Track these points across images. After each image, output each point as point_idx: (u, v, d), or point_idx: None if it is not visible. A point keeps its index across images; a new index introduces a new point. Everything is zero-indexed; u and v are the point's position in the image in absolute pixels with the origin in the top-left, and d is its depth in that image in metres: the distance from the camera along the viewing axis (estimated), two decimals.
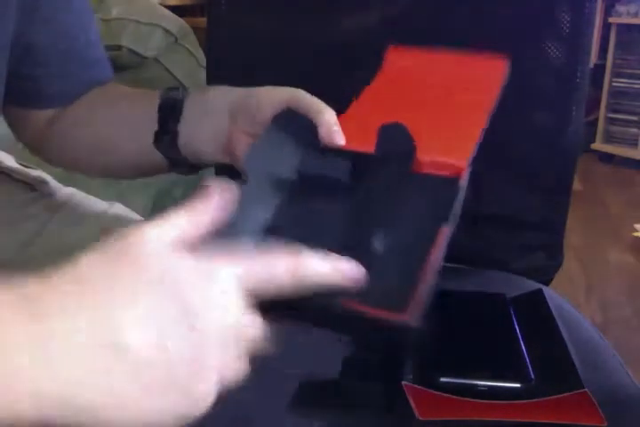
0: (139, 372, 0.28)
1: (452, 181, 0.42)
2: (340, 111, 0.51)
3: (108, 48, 2.08)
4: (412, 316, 0.35)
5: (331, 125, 0.46)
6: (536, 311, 0.53)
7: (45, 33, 0.59)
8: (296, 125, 0.47)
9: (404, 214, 0.42)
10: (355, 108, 0.52)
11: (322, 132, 0.46)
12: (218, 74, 0.78)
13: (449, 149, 0.45)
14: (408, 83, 0.55)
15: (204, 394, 0.29)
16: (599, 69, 2.87)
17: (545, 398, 0.42)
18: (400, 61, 0.56)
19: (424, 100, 0.52)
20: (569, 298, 0.68)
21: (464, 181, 0.43)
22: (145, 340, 0.28)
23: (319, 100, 0.49)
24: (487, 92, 0.51)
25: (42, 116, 0.63)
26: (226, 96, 0.56)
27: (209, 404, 0.30)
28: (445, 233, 0.39)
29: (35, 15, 0.57)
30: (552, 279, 0.75)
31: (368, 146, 0.45)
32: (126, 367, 0.27)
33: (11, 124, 0.66)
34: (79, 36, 0.62)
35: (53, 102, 0.63)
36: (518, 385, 0.44)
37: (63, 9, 0.60)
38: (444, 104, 0.51)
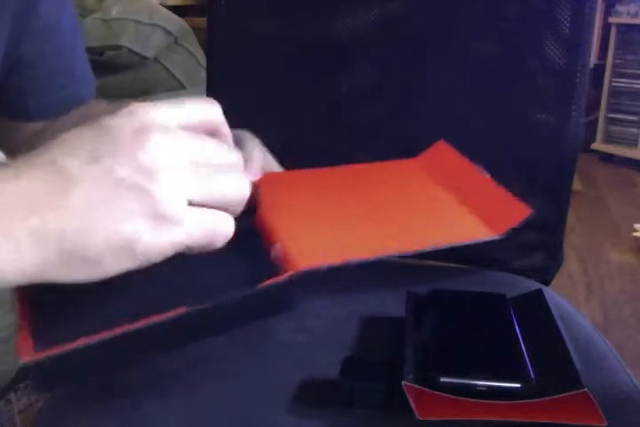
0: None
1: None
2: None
3: (108, 48, 2.09)
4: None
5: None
6: (536, 311, 0.53)
7: (35, 48, 0.59)
8: None
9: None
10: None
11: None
12: (218, 74, 0.77)
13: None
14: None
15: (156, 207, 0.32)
16: (599, 69, 2.87)
17: (545, 398, 0.42)
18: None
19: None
20: (569, 298, 0.68)
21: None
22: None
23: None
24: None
25: (29, 127, 0.64)
26: None
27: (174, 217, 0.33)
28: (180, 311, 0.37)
29: (25, 31, 0.57)
30: (552, 279, 0.75)
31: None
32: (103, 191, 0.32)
33: (1, 137, 0.66)
34: (67, 52, 0.63)
35: (38, 115, 0.64)
36: (518, 385, 0.44)
37: (53, 26, 0.60)
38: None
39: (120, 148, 0.33)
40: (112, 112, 0.35)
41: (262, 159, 0.50)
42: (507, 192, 0.48)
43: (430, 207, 0.49)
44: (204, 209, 0.34)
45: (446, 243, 0.44)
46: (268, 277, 0.38)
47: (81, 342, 0.35)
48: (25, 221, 0.31)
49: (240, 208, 0.37)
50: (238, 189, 0.36)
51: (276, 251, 0.41)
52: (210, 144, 0.36)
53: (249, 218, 0.42)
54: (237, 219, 0.40)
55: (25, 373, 0.35)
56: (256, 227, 0.43)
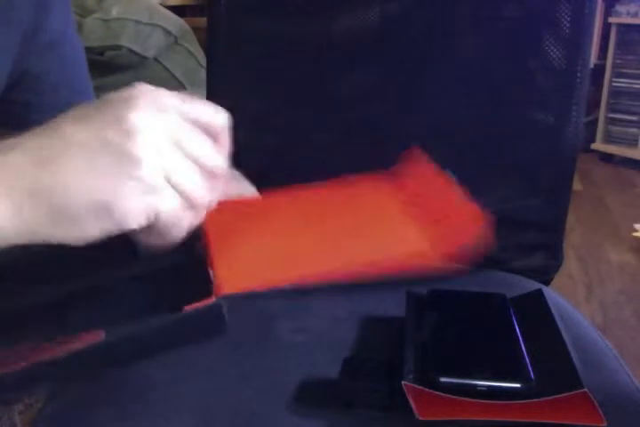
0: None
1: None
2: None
3: (108, 48, 2.09)
4: None
5: None
6: (536, 311, 0.53)
7: (41, 62, 0.61)
8: None
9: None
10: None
11: None
12: (218, 74, 0.77)
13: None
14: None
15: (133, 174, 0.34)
16: (599, 69, 2.87)
17: (545, 398, 0.42)
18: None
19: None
20: (569, 298, 0.68)
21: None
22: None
23: None
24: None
25: None
26: None
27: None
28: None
29: (32, 45, 0.59)
30: (552, 279, 0.75)
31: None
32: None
33: None
34: (71, 66, 0.65)
35: None
36: (518, 385, 0.44)
37: (59, 41, 0.62)
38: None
39: (110, 110, 0.35)
40: None
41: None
42: (469, 204, 0.47)
43: (381, 230, 0.48)
44: (175, 191, 0.36)
45: (388, 271, 0.42)
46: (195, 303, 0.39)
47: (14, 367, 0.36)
48: (23, 179, 0.34)
49: (199, 211, 0.38)
50: (203, 194, 0.37)
51: (212, 276, 0.41)
52: (200, 137, 0.38)
53: (192, 244, 0.42)
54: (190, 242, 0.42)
55: None
56: (201, 254, 0.44)
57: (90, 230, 0.34)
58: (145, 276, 0.44)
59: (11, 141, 0.36)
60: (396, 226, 0.47)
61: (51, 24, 0.59)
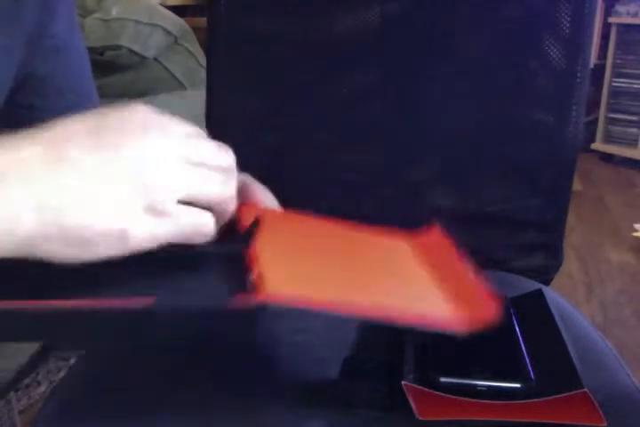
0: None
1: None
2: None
3: (108, 48, 2.09)
4: None
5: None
6: (536, 311, 0.53)
7: (46, 66, 0.61)
8: None
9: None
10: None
11: None
12: (218, 74, 0.77)
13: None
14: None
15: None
16: (599, 69, 2.87)
17: (545, 398, 0.42)
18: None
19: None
20: (569, 298, 0.68)
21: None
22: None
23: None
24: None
25: None
26: None
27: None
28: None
29: (37, 48, 0.59)
30: (552, 279, 0.75)
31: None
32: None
33: None
34: (76, 72, 0.65)
35: None
36: (518, 385, 0.44)
37: (64, 46, 0.62)
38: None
39: (120, 140, 0.35)
40: None
41: (260, 192, 0.51)
42: (485, 287, 0.46)
43: (410, 282, 0.48)
44: (190, 207, 0.37)
45: (411, 323, 0.42)
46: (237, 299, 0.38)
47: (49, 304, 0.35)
48: (24, 190, 0.33)
49: (225, 208, 0.39)
50: (224, 190, 0.38)
51: (254, 277, 0.40)
52: (204, 144, 0.39)
53: (240, 243, 0.43)
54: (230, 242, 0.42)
55: None
56: (244, 255, 0.43)
57: (99, 253, 0.34)
58: (199, 257, 0.43)
59: (18, 156, 0.35)
60: (426, 288, 0.47)
61: (56, 28, 0.59)
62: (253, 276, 0.40)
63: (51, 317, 0.35)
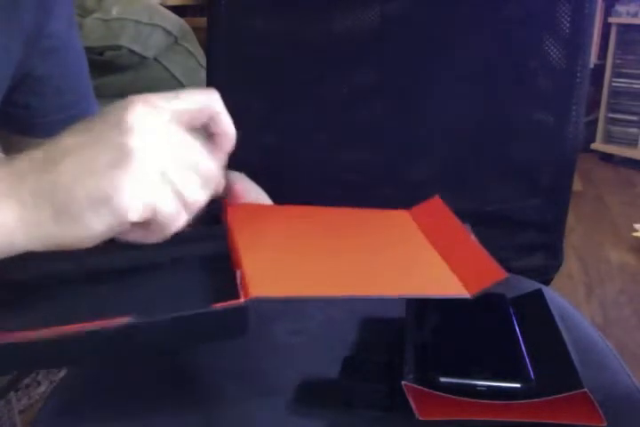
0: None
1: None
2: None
3: (108, 48, 2.08)
4: None
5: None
6: (536, 311, 0.53)
7: (44, 66, 0.61)
8: None
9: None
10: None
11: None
12: (218, 74, 0.77)
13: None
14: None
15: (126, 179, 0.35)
16: (599, 69, 2.87)
17: (545, 398, 0.42)
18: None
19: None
20: (569, 298, 0.68)
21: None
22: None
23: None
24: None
25: (34, 143, 0.65)
26: None
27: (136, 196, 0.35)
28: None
29: (35, 48, 0.59)
30: (552, 279, 0.75)
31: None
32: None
33: (5, 149, 0.67)
34: (74, 72, 0.66)
35: (44, 132, 0.65)
36: (518, 385, 0.44)
37: (62, 46, 0.62)
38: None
39: (109, 116, 0.37)
40: None
41: (245, 187, 0.53)
42: (487, 255, 0.47)
43: (409, 256, 0.49)
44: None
45: (413, 293, 0.45)
46: (225, 301, 0.38)
47: (21, 336, 0.35)
48: (25, 181, 0.36)
49: (190, 212, 0.39)
50: (200, 193, 0.38)
51: (238, 278, 0.41)
52: (194, 144, 0.39)
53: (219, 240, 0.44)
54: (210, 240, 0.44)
55: None
56: (228, 251, 0.44)
57: (93, 226, 0.35)
58: (176, 261, 0.45)
59: (18, 155, 0.38)
60: (423, 264, 0.48)
61: (53, 28, 0.59)
62: (237, 277, 0.40)
63: (35, 345, 0.36)
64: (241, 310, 0.38)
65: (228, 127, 0.43)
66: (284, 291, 0.40)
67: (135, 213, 0.36)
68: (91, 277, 0.44)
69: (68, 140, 0.37)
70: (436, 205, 0.55)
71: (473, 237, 0.50)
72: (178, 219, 0.38)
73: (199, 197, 0.39)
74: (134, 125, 0.36)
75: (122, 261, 0.45)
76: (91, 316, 0.36)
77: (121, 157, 0.36)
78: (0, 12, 0.53)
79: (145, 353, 0.43)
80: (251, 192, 0.54)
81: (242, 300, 0.38)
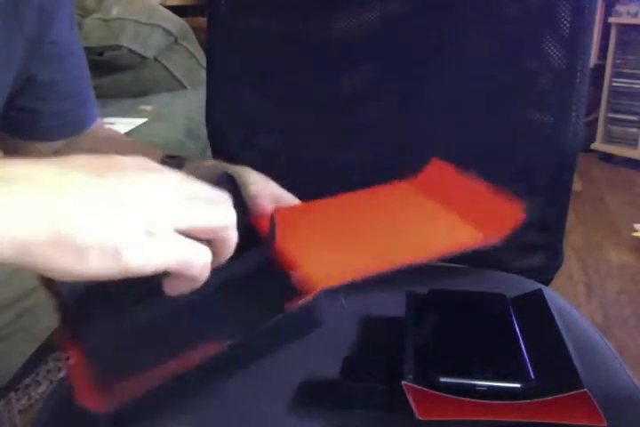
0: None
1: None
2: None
3: (108, 48, 2.09)
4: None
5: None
6: (536, 311, 0.53)
7: (47, 71, 0.62)
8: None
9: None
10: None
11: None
12: (218, 74, 0.77)
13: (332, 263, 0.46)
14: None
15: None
16: (599, 69, 2.87)
17: (545, 399, 0.42)
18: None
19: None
20: (569, 298, 0.68)
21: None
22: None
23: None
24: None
25: (37, 147, 0.66)
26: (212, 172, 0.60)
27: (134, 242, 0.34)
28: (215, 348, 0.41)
29: (37, 54, 0.59)
30: (552, 279, 0.75)
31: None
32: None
33: (7, 153, 0.68)
34: (76, 76, 0.66)
35: (47, 136, 0.66)
36: (518, 385, 0.44)
37: (65, 52, 0.63)
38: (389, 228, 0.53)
39: (123, 175, 0.36)
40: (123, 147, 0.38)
41: (269, 192, 0.55)
42: (500, 197, 0.52)
43: (430, 222, 0.53)
44: (188, 239, 0.37)
45: (449, 251, 0.48)
46: (294, 302, 0.42)
47: (139, 390, 0.39)
48: (34, 196, 0.33)
49: (225, 236, 0.38)
50: (221, 218, 0.38)
51: (296, 277, 0.44)
52: (199, 185, 0.39)
53: (265, 249, 0.47)
54: (256, 251, 0.46)
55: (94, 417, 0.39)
56: (275, 258, 0.47)
57: (94, 267, 0.34)
58: (231, 282, 0.46)
59: (33, 167, 0.35)
60: (440, 221, 0.53)
61: (56, 34, 0.60)
62: (295, 277, 0.44)
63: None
64: (313, 304, 0.42)
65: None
66: (342, 277, 0.43)
67: (140, 271, 0.35)
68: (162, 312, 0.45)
69: (80, 182, 0.35)
70: (437, 167, 0.59)
71: (481, 184, 0.54)
72: (199, 264, 0.37)
73: (225, 222, 0.38)
74: (149, 193, 0.36)
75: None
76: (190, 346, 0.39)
77: (140, 214, 0.35)
78: (1, 19, 0.53)
79: (241, 368, 0.46)
80: (267, 196, 0.54)
81: (311, 295, 0.42)
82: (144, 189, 0.36)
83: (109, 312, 0.42)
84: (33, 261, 0.33)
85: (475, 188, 0.54)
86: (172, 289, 0.38)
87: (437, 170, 0.59)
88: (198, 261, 0.37)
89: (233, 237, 0.39)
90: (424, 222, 0.53)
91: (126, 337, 0.44)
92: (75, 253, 0.33)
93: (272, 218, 0.49)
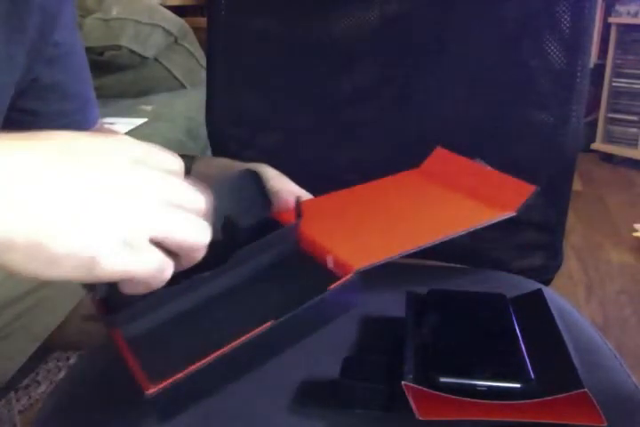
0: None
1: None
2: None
3: (108, 48, 2.09)
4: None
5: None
6: (536, 311, 0.53)
7: (50, 73, 0.62)
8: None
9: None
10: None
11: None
12: (218, 74, 0.78)
13: (359, 249, 0.48)
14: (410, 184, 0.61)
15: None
16: (599, 69, 2.87)
17: (545, 399, 0.42)
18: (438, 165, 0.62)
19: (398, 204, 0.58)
20: (569, 298, 0.68)
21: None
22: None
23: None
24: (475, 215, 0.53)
25: None
26: (227, 169, 0.61)
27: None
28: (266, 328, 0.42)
29: (40, 56, 0.59)
30: (552, 279, 0.75)
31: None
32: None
33: None
34: (78, 78, 0.66)
35: None
36: (518, 385, 0.44)
37: (68, 54, 0.63)
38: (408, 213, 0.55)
39: (103, 171, 0.34)
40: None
41: (288, 187, 0.56)
42: (508, 176, 0.55)
43: (444, 204, 0.56)
44: (159, 251, 0.35)
45: (470, 226, 0.50)
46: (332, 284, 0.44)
47: (192, 368, 0.39)
48: (5, 198, 0.31)
49: (194, 256, 0.37)
50: (198, 236, 0.37)
51: (330, 262, 0.46)
52: (184, 186, 0.37)
53: (292, 231, 0.49)
54: (283, 232, 0.48)
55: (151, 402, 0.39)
56: (303, 249, 0.50)
57: (65, 274, 0.33)
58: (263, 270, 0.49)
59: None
60: (453, 202, 0.56)
61: (59, 36, 0.60)
62: (330, 263, 0.46)
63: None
64: (353, 284, 0.44)
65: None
66: (375, 257, 0.45)
67: (110, 279, 0.34)
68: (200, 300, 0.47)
69: (53, 173, 0.33)
70: (441, 155, 0.62)
71: (489, 167, 0.57)
72: (160, 279, 0.36)
73: (195, 256, 0.37)
74: (132, 195, 0.34)
75: (209, 281, 0.47)
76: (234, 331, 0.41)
77: (116, 222, 0.33)
78: (4, 21, 0.53)
79: (284, 349, 0.47)
80: (286, 191, 0.55)
81: (350, 275, 0.44)
82: (127, 193, 0.34)
83: (148, 299, 0.41)
84: (1, 263, 0.32)
85: (480, 170, 0.57)
86: (128, 289, 0.37)
87: (442, 157, 0.62)
88: (162, 275, 0.36)
89: (200, 256, 0.38)
90: (439, 204, 0.56)
91: (165, 324, 0.45)
92: (48, 260, 0.32)
93: (297, 205, 0.51)
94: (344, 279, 0.44)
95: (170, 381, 0.39)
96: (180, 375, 0.39)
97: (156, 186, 0.35)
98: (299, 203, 0.51)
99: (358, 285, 0.45)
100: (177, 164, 0.38)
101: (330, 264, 0.47)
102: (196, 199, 0.37)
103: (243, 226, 0.50)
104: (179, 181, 0.37)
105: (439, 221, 0.52)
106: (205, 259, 0.38)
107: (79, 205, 0.33)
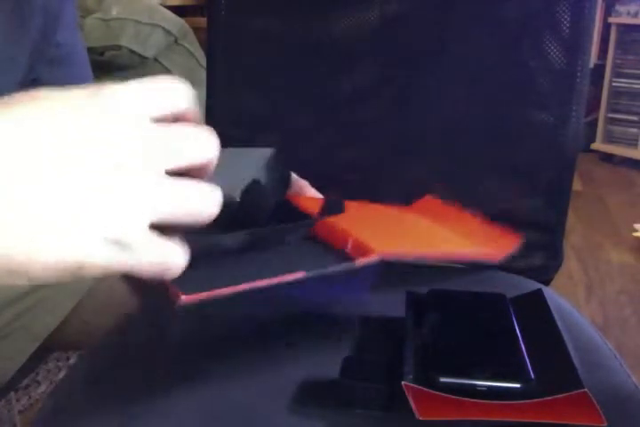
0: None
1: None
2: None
3: (108, 48, 2.09)
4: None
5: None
6: (536, 311, 0.53)
7: (52, 74, 0.62)
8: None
9: None
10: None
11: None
12: (218, 74, 0.78)
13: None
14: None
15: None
16: (599, 69, 2.87)
17: (545, 399, 0.42)
18: None
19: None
20: (569, 298, 0.68)
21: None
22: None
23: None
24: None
25: None
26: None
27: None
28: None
29: (42, 57, 0.60)
30: (552, 279, 0.75)
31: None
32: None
33: None
34: (80, 78, 0.67)
35: None
36: (518, 385, 0.44)
37: (69, 55, 0.64)
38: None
39: (86, 143, 0.29)
40: None
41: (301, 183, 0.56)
42: (496, 227, 0.55)
43: (439, 235, 0.55)
44: (161, 240, 0.31)
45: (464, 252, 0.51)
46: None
47: (229, 290, 0.38)
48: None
49: (203, 222, 0.32)
50: (205, 206, 0.32)
51: (351, 244, 0.45)
52: (187, 137, 0.32)
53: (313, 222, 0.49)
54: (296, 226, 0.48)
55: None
56: (318, 235, 0.48)
57: (43, 276, 0.29)
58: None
59: None
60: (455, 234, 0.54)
61: (61, 37, 0.60)
62: (349, 246, 0.45)
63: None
64: (374, 265, 0.44)
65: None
66: (397, 250, 0.45)
67: (96, 275, 0.30)
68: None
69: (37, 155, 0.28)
70: (431, 200, 0.61)
71: (476, 216, 0.57)
72: (170, 271, 0.32)
73: (208, 203, 0.32)
74: (122, 172, 0.29)
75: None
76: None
77: (100, 216, 0.29)
78: (6, 23, 0.53)
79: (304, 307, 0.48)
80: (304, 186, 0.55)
81: (368, 258, 0.44)
82: (113, 168, 0.29)
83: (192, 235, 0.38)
84: None
85: (467, 217, 0.57)
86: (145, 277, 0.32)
87: (432, 202, 0.61)
88: (172, 266, 0.31)
89: (208, 220, 0.32)
90: (434, 235, 0.55)
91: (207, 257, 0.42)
92: (22, 277, 0.29)
93: (332, 204, 0.51)
94: (368, 259, 0.44)
95: (203, 295, 0.37)
96: (214, 293, 0.38)
97: (152, 146, 0.30)
98: (338, 202, 0.51)
99: (371, 272, 0.45)
100: (183, 96, 0.33)
101: (350, 247, 0.46)
102: (203, 145, 0.32)
103: (269, 194, 0.50)
104: (180, 131, 0.32)
105: (454, 239, 0.52)
106: (222, 219, 0.34)
107: (61, 206, 0.28)
